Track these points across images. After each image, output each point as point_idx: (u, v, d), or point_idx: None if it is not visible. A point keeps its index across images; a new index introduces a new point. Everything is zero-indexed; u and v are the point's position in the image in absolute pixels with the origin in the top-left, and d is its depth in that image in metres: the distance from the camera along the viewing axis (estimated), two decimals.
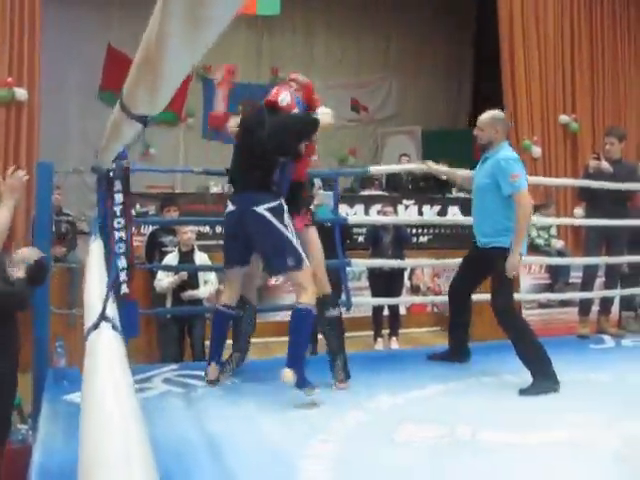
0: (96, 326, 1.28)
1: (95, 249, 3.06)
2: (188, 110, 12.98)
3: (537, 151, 10.08)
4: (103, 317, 1.32)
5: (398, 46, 14.70)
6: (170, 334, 6.36)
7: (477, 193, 4.68)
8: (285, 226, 4.04)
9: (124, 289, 4.56)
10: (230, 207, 4.18)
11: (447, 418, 3.60)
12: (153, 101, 1.34)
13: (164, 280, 6.22)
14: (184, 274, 6.18)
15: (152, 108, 1.41)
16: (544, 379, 4.22)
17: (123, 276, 4.56)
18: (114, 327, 1.30)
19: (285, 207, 4.09)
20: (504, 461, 3.11)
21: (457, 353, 4.90)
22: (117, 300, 4.22)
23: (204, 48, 1.06)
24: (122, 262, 4.55)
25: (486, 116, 4.63)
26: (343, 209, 8.31)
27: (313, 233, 4.37)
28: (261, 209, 4.02)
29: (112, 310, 1.47)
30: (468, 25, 14.94)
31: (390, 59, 14.78)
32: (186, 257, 6.27)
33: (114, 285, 4.31)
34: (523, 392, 4.14)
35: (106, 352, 1.11)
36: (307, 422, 3.59)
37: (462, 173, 5.32)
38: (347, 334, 7.66)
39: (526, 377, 4.30)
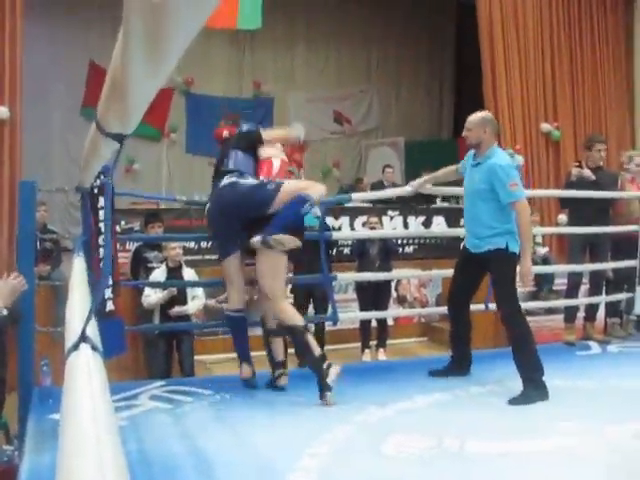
0: (76, 347, 1.26)
1: (77, 267, 3.03)
2: (171, 125, 12.99)
3: (520, 159, 10.12)
4: (83, 338, 1.30)
5: (379, 58, 14.75)
6: (157, 350, 6.32)
7: (470, 198, 4.63)
8: (247, 180, 4.37)
9: (109, 306, 4.54)
10: (208, 207, 4.50)
11: (436, 429, 3.60)
12: (124, 121, 1.35)
13: (152, 296, 6.19)
14: (174, 290, 6.16)
15: (124, 127, 1.42)
16: (534, 388, 4.23)
17: (108, 293, 4.54)
18: (94, 348, 1.28)
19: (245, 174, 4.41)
20: (494, 471, 3.12)
21: (459, 366, 4.84)
22: (102, 318, 4.23)
23: (167, 71, 1.08)
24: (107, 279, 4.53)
25: (475, 116, 4.61)
26: (328, 221, 8.30)
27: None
28: (225, 181, 4.36)
29: (92, 330, 1.45)
30: (449, 36, 15.05)
31: (371, 71, 14.84)
32: (174, 273, 6.24)
33: (100, 303, 4.30)
34: (513, 401, 4.15)
35: (84, 373, 1.08)
36: (296, 436, 3.58)
37: (442, 172, 5.19)
38: (334, 346, 7.69)
39: (512, 385, 4.32)
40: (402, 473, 3.09)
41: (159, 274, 6.21)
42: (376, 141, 14.70)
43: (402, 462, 3.20)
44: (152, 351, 6.40)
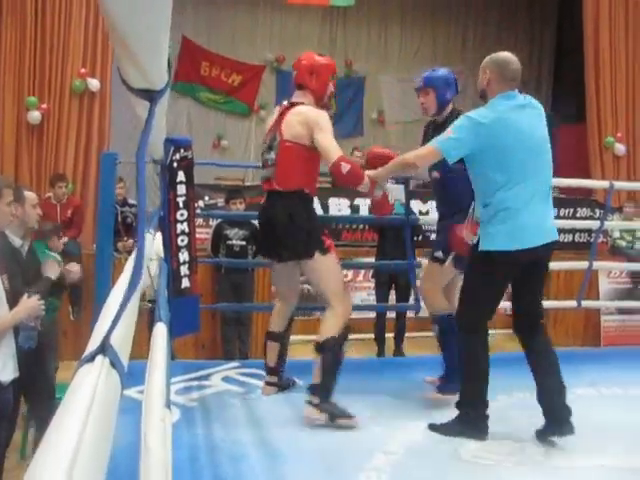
0: (92, 358, 0.96)
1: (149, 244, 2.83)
2: (261, 101, 12.92)
3: (621, 149, 9.60)
4: (102, 349, 0.99)
5: (475, 39, 14.27)
6: (234, 330, 6.25)
7: None
8: None
9: (185, 283, 4.44)
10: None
11: (518, 434, 3.33)
12: (142, 71, 1.17)
13: None
14: None
15: (147, 81, 1.24)
16: (462, 422, 3.37)
17: (185, 270, 4.44)
18: (113, 364, 0.97)
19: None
20: None
21: None
22: (177, 295, 4.12)
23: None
24: (184, 255, 4.44)
25: (486, 58, 3.47)
26: (416, 205, 8.05)
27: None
28: None
29: (122, 338, 1.14)
30: (549, 15, 14.39)
31: (467, 52, 14.35)
32: None
33: (175, 280, 4.20)
34: (431, 427, 3.43)
35: (84, 403, 0.81)
36: (371, 431, 3.38)
37: None
38: (416, 334, 7.45)
39: (633, 391, 4.02)
40: None
41: None
42: None
43: (480, 469, 2.96)
44: (228, 331, 6.32)
